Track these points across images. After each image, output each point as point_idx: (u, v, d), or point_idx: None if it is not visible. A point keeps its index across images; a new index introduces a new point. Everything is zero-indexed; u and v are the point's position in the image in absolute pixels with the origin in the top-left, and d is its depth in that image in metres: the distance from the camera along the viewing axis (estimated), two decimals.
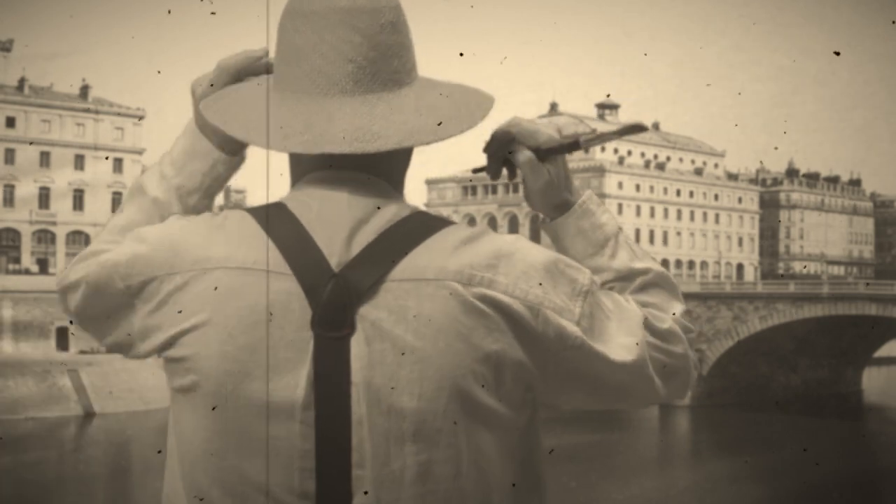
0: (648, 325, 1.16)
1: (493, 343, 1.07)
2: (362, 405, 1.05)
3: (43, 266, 69.63)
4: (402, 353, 1.05)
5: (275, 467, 1.05)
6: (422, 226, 1.11)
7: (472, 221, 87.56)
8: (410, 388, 1.05)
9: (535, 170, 1.23)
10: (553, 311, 1.09)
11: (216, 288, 1.08)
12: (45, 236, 72.92)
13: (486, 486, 1.08)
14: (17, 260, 70.85)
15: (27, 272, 65.78)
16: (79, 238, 72.44)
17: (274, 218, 1.11)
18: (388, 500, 1.05)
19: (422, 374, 1.05)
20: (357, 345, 1.05)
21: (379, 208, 1.11)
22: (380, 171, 1.15)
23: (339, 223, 1.09)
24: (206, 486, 1.08)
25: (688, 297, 49.07)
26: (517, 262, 1.10)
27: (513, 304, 1.08)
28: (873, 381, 56.50)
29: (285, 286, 1.07)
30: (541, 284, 1.09)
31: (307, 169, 1.16)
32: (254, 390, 1.06)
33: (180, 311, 1.10)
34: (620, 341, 1.13)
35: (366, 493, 1.04)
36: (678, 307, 1.23)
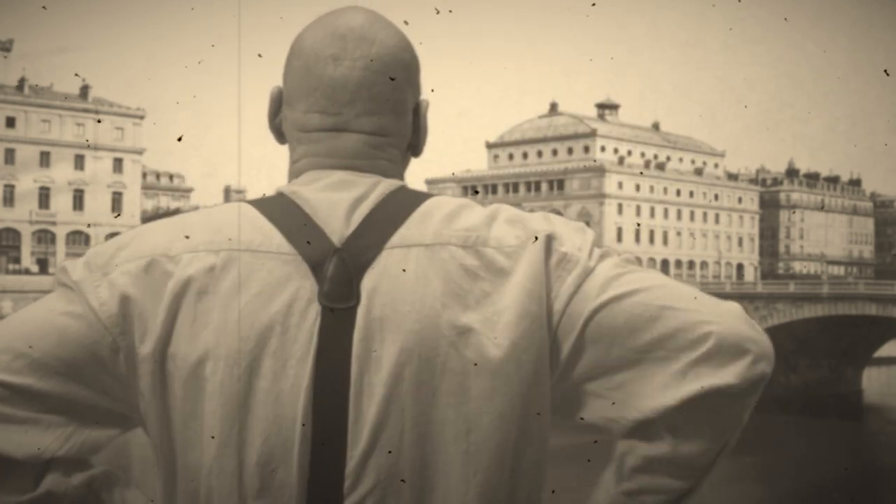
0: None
1: (492, 302, 1.09)
2: (367, 373, 1.06)
3: (43, 266, 69.70)
4: (407, 317, 1.07)
5: (278, 444, 1.06)
6: (411, 196, 1.15)
7: None
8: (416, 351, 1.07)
9: None
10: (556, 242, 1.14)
11: (225, 269, 1.09)
12: (45, 236, 72.99)
13: (491, 444, 1.09)
14: (17, 260, 70.94)
15: (27, 272, 65.86)
16: (79, 238, 72.53)
17: (274, 205, 1.13)
18: (390, 463, 1.05)
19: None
20: (362, 314, 1.07)
21: (374, 186, 1.15)
22: (374, 169, 1.18)
23: (337, 203, 1.12)
24: (206, 465, 1.07)
25: None
26: (508, 221, 1.16)
27: (507, 255, 1.11)
28: (873, 381, 56.45)
29: (292, 268, 1.09)
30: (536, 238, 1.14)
31: (306, 166, 1.19)
32: (267, 369, 1.06)
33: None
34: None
35: (372, 459, 1.05)
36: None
